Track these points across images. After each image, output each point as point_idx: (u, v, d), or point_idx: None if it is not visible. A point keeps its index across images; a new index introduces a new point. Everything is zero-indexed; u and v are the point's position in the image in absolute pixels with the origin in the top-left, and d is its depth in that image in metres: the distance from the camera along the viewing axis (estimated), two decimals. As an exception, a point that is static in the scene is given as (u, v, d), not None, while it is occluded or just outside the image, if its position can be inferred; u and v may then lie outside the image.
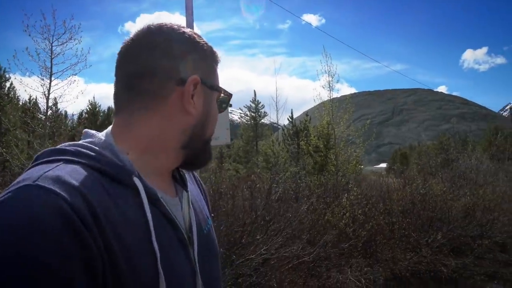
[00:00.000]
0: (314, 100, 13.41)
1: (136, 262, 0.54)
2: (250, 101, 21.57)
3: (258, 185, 6.40)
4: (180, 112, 0.67)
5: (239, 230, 4.04)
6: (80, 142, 0.63)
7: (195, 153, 0.72)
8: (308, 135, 14.36)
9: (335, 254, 5.63)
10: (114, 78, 0.70)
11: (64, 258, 0.47)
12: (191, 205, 0.73)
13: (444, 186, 9.26)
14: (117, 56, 0.70)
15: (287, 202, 5.85)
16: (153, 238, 0.57)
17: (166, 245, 0.61)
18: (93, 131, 0.67)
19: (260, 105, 21.27)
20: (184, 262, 0.65)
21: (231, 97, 0.79)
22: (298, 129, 16.85)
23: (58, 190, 0.50)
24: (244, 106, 21.96)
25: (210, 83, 0.71)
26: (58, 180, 0.52)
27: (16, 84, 17.90)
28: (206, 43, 0.72)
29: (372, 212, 6.93)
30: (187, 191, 0.75)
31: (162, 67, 0.66)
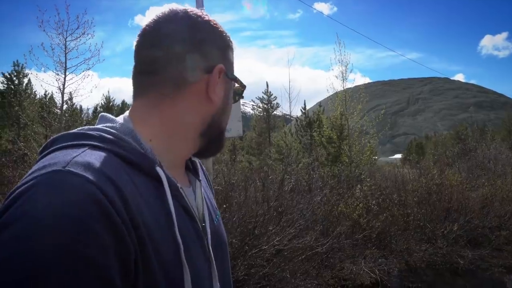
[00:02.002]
0: (327, 90, 13.26)
1: (162, 252, 0.53)
2: (263, 92, 21.50)
3: (270, 177, 6.40)
4: (204, 100, 0.67)
5: (251, 221, 4.06)
6: (101, 126, 0.61)
7: (210, 142, 0.71)
8: (321, 126, 14.25)
9: (349, 245, 5.60)
10: (133, 63, 0.67)
11: (101, 248, 0.46)
12: (203, 196, 0.73)
13: (460, 176, 9.07)
14: (138, 37, 0.67)
15: (300, 193, 5.84)
16: (176, 229, 0.57)
17: (186, 236, 0.60)
18: (111, 116, 0.65)
19: (272, 96, 21.18)
20: (200, 253, 0.64)
21: (245, 88, 0.78)
22: (311, 120, 16.74)
23: (90, 177, 0.48)
24: (256, 98, 21.92)
25: (230, 73, 0.71)
26: (89, 167, 0.50)
27: (32, 79, 18.30)
28: (226, 32, 0.72)
29: (386, 203, 6.86)
30: (199, 181, 0.74)
31: (190, 54, 0.64)
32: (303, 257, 4.78)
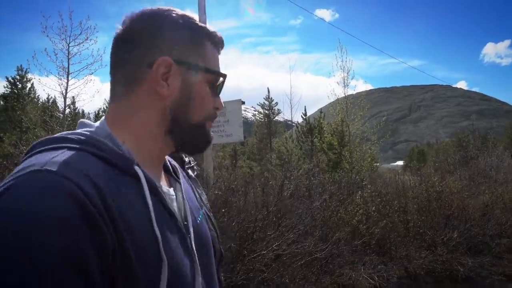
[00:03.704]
0: (328, 97, 13.33)
1: (141, 246, 0.55)
2: (264, 98, 21.59)
3: (271, 182, 6.41)
4: (155, 95, 0.67)
5: (250, 226, 4.07)
6: (79, 131, 0.64)
7: (183, 139, 0.71)
8: (321, 132, 14.28)
9: (348, 251, 5.59)
10: None
11: (78, 240, 0.48)
12: (185, 197, 0.74)
13: (461, 183, 9.06)
14: None
15: (299, 199, 5.85)
16: (154, 224, 0.58)
17: (165, 231, 0.61)
18: (89, 121, 0.69)
19: (273, 102, 21.26)
20: (182, 248, 0.65)
21: (225, 77, 0.74)
22: (312, 126, 16.77)
23: (66, 174, 0.51)
24: (257, 104, 22.00)
25: (189, 63, 0.68)
26: (66, 165, 0.52)
27: (35, 83, 18.47)
28: (192, 22, 0.70)
29: (386, 210, 6.85)
30: (179, 183, 0.76)
31: (135, 53, 0.66)
32: (302, 262, 4.78)
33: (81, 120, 0.70)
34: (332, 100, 13.56)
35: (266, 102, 21.48)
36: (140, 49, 0.66)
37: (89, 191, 0.51)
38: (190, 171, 1.70)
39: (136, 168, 0.61)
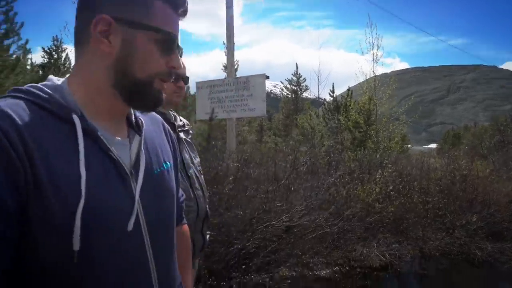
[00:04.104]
0: (356, 74, 12.98)
1: (61, 182, 0.62)
2: (292, 74, 21.29)
3: (291, 157, 6.46)
4: (98, 52, 0.71)
5: (262, 197, 4.18)
6: (37, 84, 0.71)
7: (128, 94, 0.74)
8: (348, 110, 14.01)
9: (361, 228, 5.62)
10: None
11: None
12: (142, 148, 0.78)
13: (489, 167, 8.70)
14: None
15: (315, 174, 5.88)
16: (81, 162, 0.64)
17: (99, 174, 0.67)
18: (54, 77, 0.76)
19: (301, 78, 20.91)
20: (122, 193, 0.70)
21: (172, 36, 0.74)
22: (339, 104, 16.44)
23: None
24: (285, 79, 21.75)
25: (131, 21, 0.71)
26: None
27: (69, 53, 19.11)
28: None
29: (406, 190, 6.75)
30: (140, 136, 0.80)
31: (84, 13, 0.73)
32: (313, 235, 4.87)
33: (49, 76, 0.77)
34: (361, 79, 13.21)
35: (294, 78, 21.18)
36: (86, 9, 0.73)
37: (7, 129, 0.59)
38: (182, 134, 1.79)
39: (74, 117, 0.67)
